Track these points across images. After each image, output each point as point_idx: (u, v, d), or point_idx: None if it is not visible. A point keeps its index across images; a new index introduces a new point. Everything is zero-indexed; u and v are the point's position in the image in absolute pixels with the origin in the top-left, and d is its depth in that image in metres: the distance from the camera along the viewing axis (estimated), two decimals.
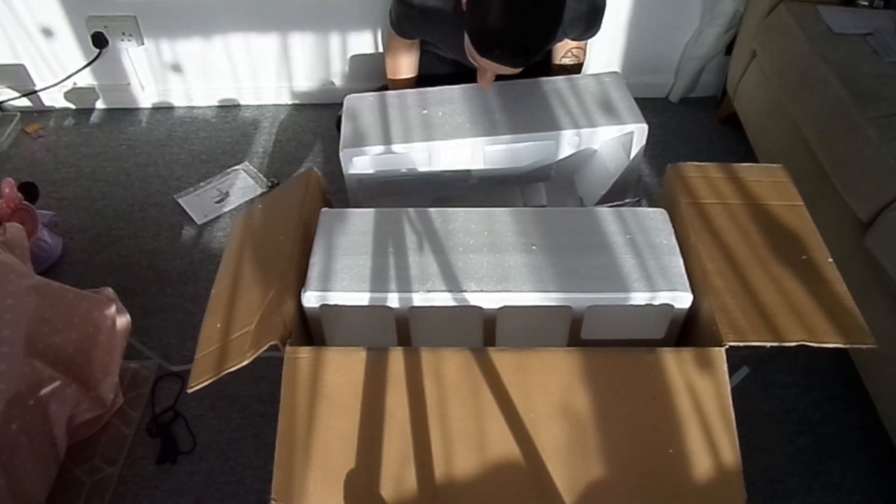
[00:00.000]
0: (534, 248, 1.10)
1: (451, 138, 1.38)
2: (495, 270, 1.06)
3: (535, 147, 1.45)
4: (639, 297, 1.04)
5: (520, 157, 1.48)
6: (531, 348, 0.99)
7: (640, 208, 1.19)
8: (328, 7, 2.12)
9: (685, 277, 1.06)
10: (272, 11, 2.13)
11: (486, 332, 1.09)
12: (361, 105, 1.49)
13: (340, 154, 1.38)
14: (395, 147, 1.39)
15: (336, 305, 1.08)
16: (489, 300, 1.04)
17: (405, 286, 1.05)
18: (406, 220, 1.16)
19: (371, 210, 1.19)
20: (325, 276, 1.07)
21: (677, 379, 0.95)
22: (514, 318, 1.12)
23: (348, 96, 1.52)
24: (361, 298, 1.05)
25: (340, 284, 1.06)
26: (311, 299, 1.06)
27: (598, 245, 1.11)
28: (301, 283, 1.09)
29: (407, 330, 1.09)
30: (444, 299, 1.04)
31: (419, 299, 1.04)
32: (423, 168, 1.45)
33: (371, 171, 1.47)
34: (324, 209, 1.19)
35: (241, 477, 1.42)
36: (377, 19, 2.16)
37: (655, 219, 1.15)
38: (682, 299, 1.04)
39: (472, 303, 1.04)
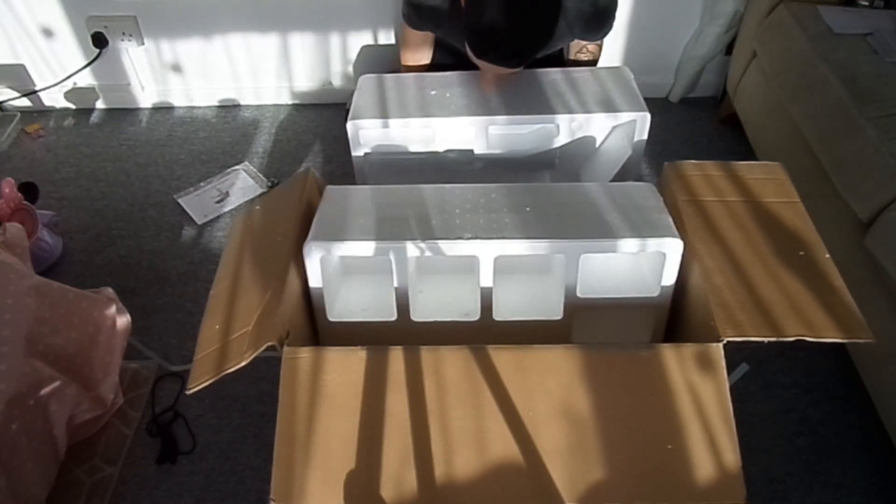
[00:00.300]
0: (528, 209, 1.11)
1: (455, 116, 1.41)
2: (490, 225, 1.08)
3: (536, 131, 1.47)
4: (629, 245, 1.05)
5: (521, 140, 1.50)
6: (530, 346, 0.99)
7: (627, 183, 1.21)
8: (328, 7, 2.12)
9: (674, 227, 1.07)
10: (272, 11, 2.13)
11: (484, 295, 1.10)
12: (374, 84, 1.53)
13: (347, 126, 1.39)
14: (401, 121, 1.41)
15: (337, 261, 1.08)
16: (485, 248, 1.05)
17: (404, 236, 1.07)
18: (406, 192, 1.18)
19: (371, 187, 1.21)
20: (328, 231, 1.08)
21: (676, 376, 0.95)
22: (511, 279, 1.14)
23: (363, 76, 1.55)
24: (362, 248, 1.06)
25: (342, 236, 1.07)
26: (313, 251, 1.06)
27: (589, 207, 1.13)
28: (300, 282, 1.09)
29: (406, 293, 1.09)
30: (441, 248, 1.05)
31: (417, 248, 1.05)
32: (427, 146, 1.47)
33: (377, 145, 1.49)
34: (328, 186, 1.20)
35: (241, 477, 1.42)
36: (377, 19, 2.16)
37: (642, 189, 1.17)
38: (673, 247, 1.05)
39: (469, 252, 1.05)
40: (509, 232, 1.06)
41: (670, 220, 1.09)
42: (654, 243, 1.05)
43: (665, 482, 0.90)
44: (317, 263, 1.07)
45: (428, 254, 1.06)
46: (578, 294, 1.09)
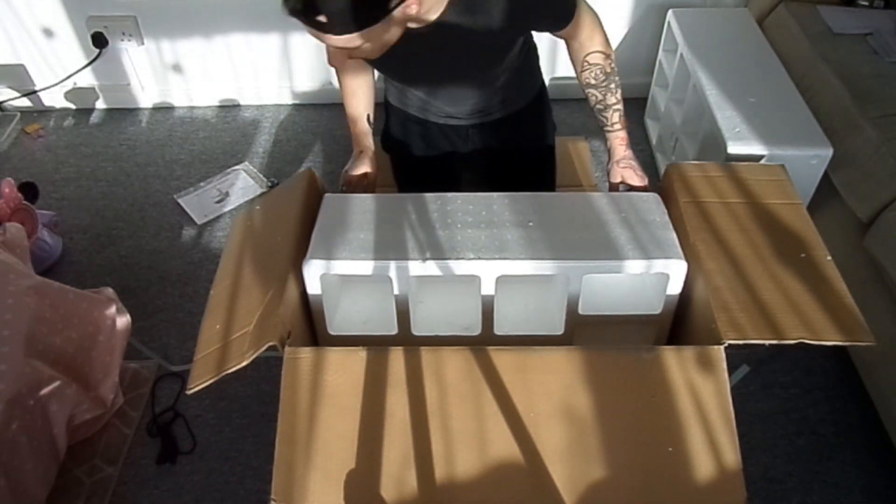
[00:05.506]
0: (530, 224, 1.11)
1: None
2: (493, 242, 1.07)
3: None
4: (633, 266, 1.04)
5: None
6: (531, 346, 0.99)
7: (633, 193, 1.20)
8: None
9: (679, 247, 1.06)
10: (272, 11, 2.13)
11: (485, 309, 1.09)
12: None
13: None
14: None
15: (337, 276, 1.08)
16: (487, 268, 1.04)
17: (405, 255, 1.06)
18: (406, 203, 1.16)
19: (372, 195, 1.19)
20: (328, 247, 1.07)
21: (677, 378, 0.95)
22: (512, 293, 1.12)
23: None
24: (363, 267, 1.05)
25: (342, 254, 1.06)
26: (312, 268, 1.06)
27: (593, 222, 1.12)
28: (300, 288, 1.09)
29: (406, 307, 1.09)
30: (443, 267, 1.04)
31: (419, 267, 1.04)
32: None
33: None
34: (327, 194, 1.20)
35: (241, 477, 1.42)
36: None
37: (648, 201, 1.16)
38: (677, 268, 1.05)
39: (470, 271, 1.05)
40: (511, 251, 1.05)
41: (675, 237, 1.08)
42: (658, 265, 1.04)
43: (665, 482, 0.90)
44: (317, 280, 1.07)
45: (429, 272, 1.05)
46: (580, 311, 1.09)
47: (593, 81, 1.18)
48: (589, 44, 1.16)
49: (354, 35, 0.96)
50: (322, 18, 0.94)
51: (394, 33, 1.01)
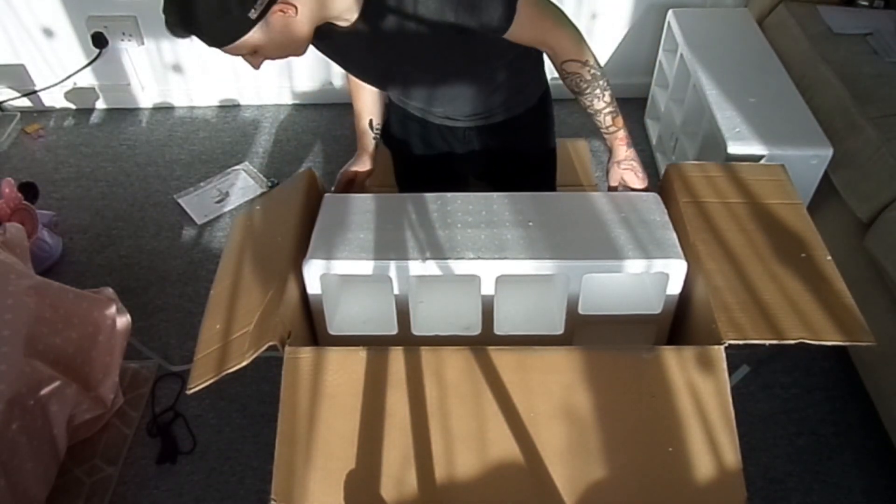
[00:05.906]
0: (530, 224, 1.11)
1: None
2: (493, 242, 1.07)
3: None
4: (633, 266, 1.04)
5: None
6: (531, 346, 0.99)
7: (632, 193, 1.20)
8: None
9: (679, 247, 1.06)
10: None
11: (485, 309, 1.09)
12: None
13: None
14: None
15: (337, 275, 1.08)
16: (487, 268, 1.05)
17: (405, 255, 1.06)
18: (406, 202, 1.17)
19: (372, 195, 1.20)
20: (328, 247, 1.08)
21: (677, 378, 0.95)
22: (512, 293, 1.12)
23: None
24: (363, 267, 1.05)
25: (342, 254, 1.06)
26: (312, 268, 1.06)
27: (593, 221, 1.12)
28: (300, 287, 1.09)
29: (406, 307, 1.09)
30: (443, 267, 1.04)
31: (419, 267, 1.04)
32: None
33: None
34: (327, 194, 1.20)
35: (241, 477, 1.42)
36: None
37: (648, 200, 1.16)
38: (677, 267, 1.05)
39: (470, 271, 1.05)
40: (511, 251, 1.06)
41: (675, 237, 1.08)
42: (658, 264, 1.05)
43: (665, 483, 0.90)
44: (317, 280, 1.07)
45: (429, 272, 1.05)
46: (580, 311, 1.09)
47: (575, 89, 1.16)
48: (562, 53, 1.13)
49: (231, 46, 1.01)
50: (193, 37, 0.97)
51: (292, 35, 1.02)
